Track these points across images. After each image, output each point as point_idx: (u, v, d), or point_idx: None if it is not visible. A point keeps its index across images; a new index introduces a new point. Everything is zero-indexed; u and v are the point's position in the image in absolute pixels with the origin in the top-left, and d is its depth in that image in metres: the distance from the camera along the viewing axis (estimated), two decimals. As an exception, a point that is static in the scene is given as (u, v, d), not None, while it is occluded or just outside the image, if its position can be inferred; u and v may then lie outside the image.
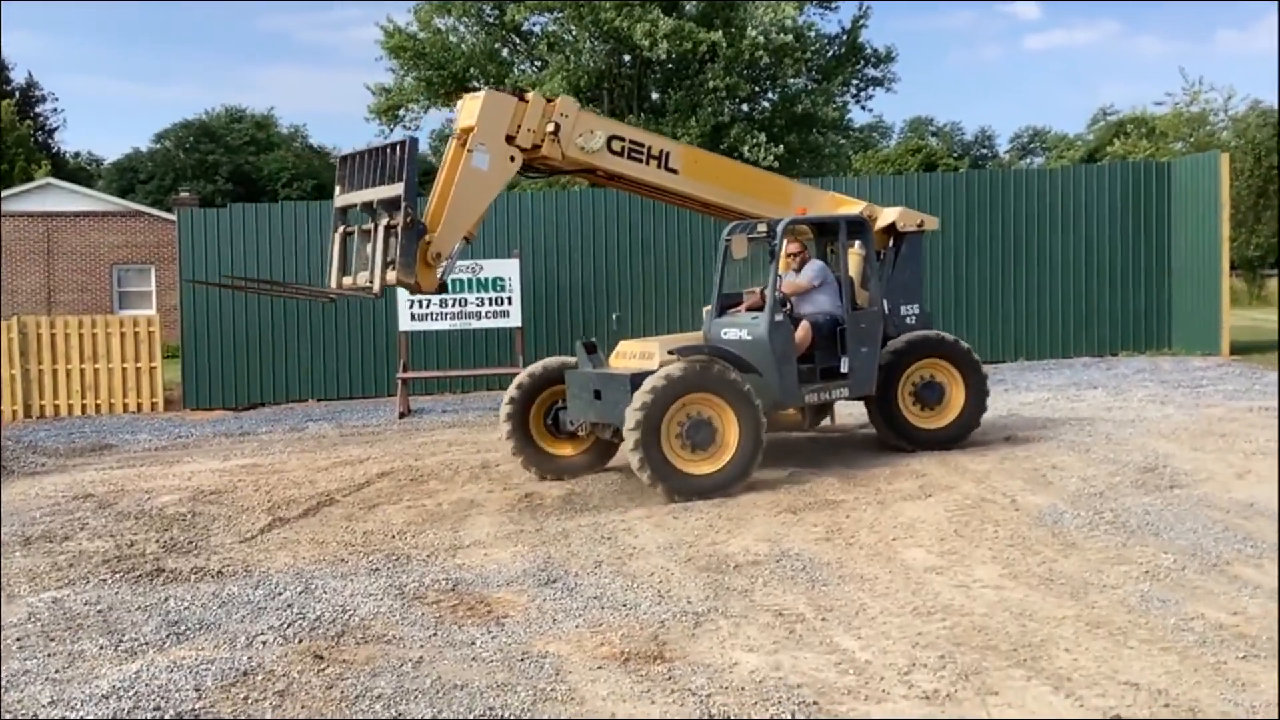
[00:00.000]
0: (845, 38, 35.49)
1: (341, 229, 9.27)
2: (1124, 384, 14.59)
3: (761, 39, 29.29)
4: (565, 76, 30.73)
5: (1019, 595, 6.15)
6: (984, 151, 75.84)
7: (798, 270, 10.20)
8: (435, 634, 5.88)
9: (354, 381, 17.15)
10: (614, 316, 11.11)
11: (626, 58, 32.67)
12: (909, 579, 6.54)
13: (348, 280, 9.13)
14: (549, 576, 6.85)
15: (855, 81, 36.30)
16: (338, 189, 9.31)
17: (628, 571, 6.92)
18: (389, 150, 8.76)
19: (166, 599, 6.67)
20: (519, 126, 9.15)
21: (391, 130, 35.98)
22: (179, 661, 5.51)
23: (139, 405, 16.72)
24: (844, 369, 9.91)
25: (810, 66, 34.39)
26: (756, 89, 33.08)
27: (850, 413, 11.01)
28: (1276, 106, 26.03)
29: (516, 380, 10.20)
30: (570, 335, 17.25)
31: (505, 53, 35.89)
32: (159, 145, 57.28)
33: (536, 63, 34.60)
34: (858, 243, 10.36)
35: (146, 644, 5.86)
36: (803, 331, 9.80)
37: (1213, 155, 18.37)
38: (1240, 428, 10.86)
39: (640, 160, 9.83)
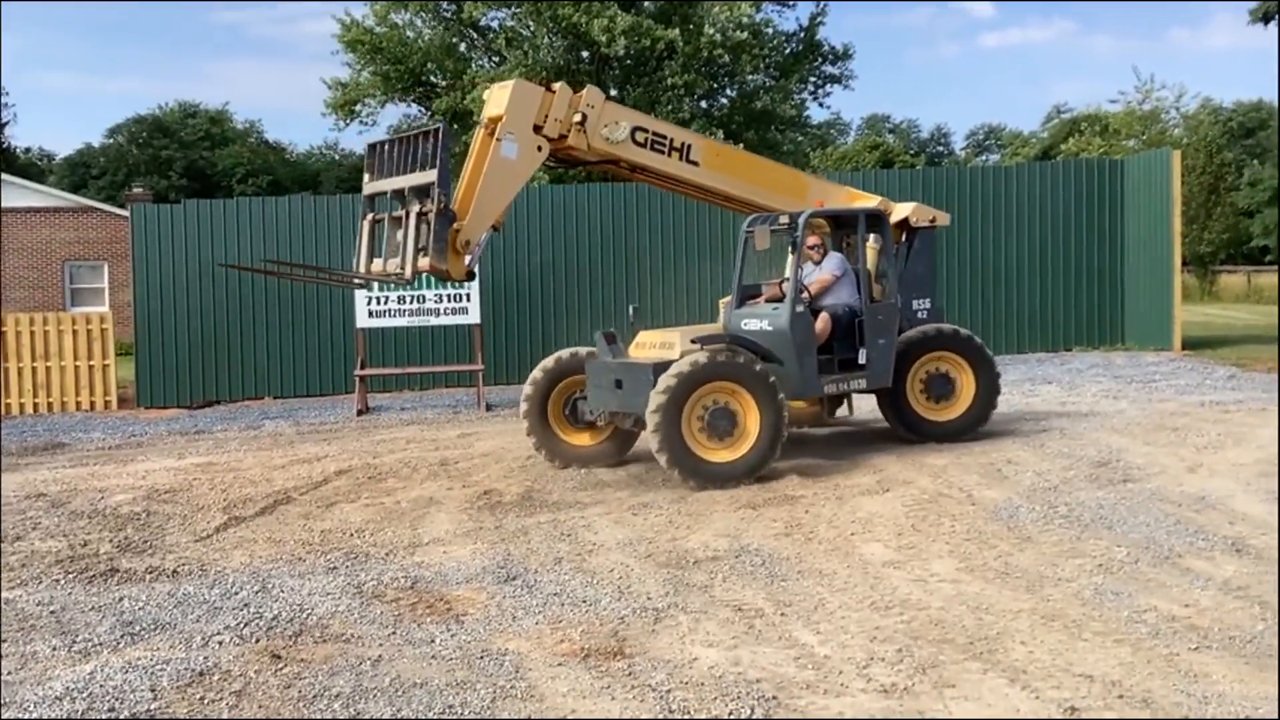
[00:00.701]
0: (803, 35, 35.62)
1: (370, 216, 9.39)
2: (1078, 379, 14.77)
3: (719, 36, 29.36)
4: (523, 72, 30.61)
5: (975, 589, 6.21)
6: (940, 149, 76.46)
7: (817, 263, 10.27)
8: (394, 632, 5.85)
9: (311, 379, 17.01)
10: (631, 308, 11.33)
11: (585, 54, 32.61)
12: (867, 573, 6.58)
13: (376, 266, 9.27)
14: (508, 574, 6.84)
15: (813, 79, 36.45)
16: (366, 176, 9.45)
17: (587, 568, 6.92)
18: (420, 137, 8.87)
19: (121, 599, 6.59)
20: (546, 116, 9.25)
21: (346, 125, 35.77)
22: (134, 662, 5.45)
23: (92, 403, 16.50)
24: (862, 360, 10.02)
25: (768, 64, 34.48)
26: (715, 86, 33.15)
27: (869, 406, 10.98)
28: (1277, 105, 26.33)
29: (535, 371, 10.30)
30: (530, 332, 17.26)
31: (463, 48, 35.73)
32: (112, 140, 56.57)
33: (494, 58, 34.46)
34: (872, 236, 10.45)
35: (101, 645, 5.79)
36: (822, 323, 9.90)
37: (1165, 152, 18.61)
38: (1192, 422, 11.02)
39: (663, 152, 9.95)
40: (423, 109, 37.65)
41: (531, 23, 31.74)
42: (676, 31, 29.06)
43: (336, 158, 63.58)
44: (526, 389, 10.23)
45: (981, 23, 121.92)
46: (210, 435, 13.49)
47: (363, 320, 14.93)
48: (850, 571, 6.64)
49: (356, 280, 10.15)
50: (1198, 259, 37.16)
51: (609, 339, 9.97)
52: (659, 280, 17.52)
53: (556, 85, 9.43)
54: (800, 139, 40.53)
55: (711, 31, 29.25)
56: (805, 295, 9.87)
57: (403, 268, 8.81)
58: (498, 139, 9.02)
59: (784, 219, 10.04)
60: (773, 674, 5.10)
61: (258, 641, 5.76)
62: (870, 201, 10.88)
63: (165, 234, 16.77)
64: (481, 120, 9.39)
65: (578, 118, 9.38)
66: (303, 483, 10.04)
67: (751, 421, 9.16)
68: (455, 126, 35.32)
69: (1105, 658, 5.14)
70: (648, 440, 9.14)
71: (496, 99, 9.25)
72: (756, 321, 9.91)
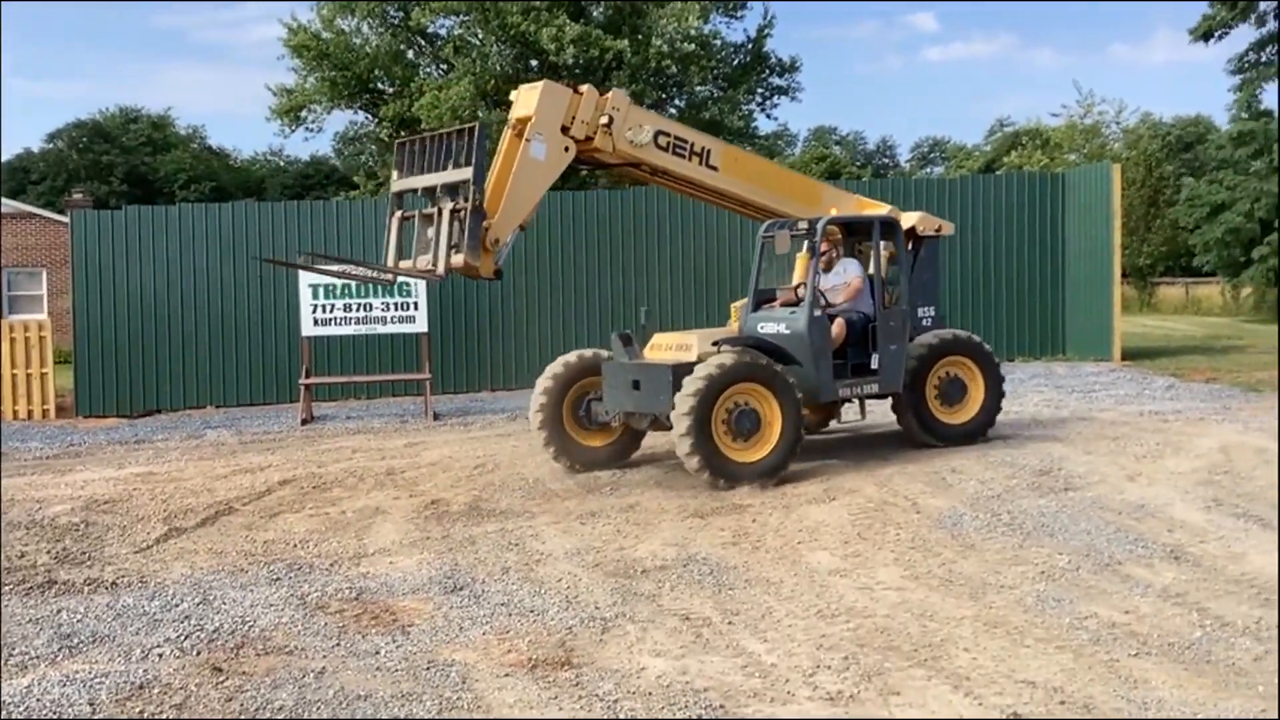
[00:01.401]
0: (750, 47, 35.85)
1: (399, 213, 9.47)
2: (1020, 388, 14.94)
3: (667, 48, 29.47)
4: (472, 80, 30.54)
5: (920, 596, 6.26)
6: (885, 160, 77.21)
7: (826, 268, 10.42)
8: (338, 644, 5.80)
9: (255, 387, 16.81)
10: (643, 310, 11.39)
11: (534, 63, 32.58)
12: (814, 582, 6.62)
13: (406, 263, 9.35)
14: (455, 584, 6.80)
15: (760, 90, 36.68)
16: (395, 174, 9.54)
17: (535, 578, 6.90)
18: (454, 135, 8.97)
19: (59, 611, 6.47)
20: (573, 118, 9.40)
21: (292, 131, 35.45)
22: (72, 675, 5.35)
23: (29, 412, 16.18)
24: (874, 365, 10.19)
25: (716, 75, 34.67)
26: (663, 96, 33.26)
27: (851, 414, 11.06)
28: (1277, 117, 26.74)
29: (549, 372, 10.30)
30: (479, 341, 17.18)
31: (411, 54, 35.55)
32: (51, 145, 55.60)
33: (442, 65, 34.33)
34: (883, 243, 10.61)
35: (38, 658, 5.68)
36: (838, 327, 10.03)
37: (1105, 166, 18.94)
38: (1131, 431, 11.20)
39: (684, 156, 10.08)
40: (370, 116, 37.40)
41: (480, 31, 31.67)
42: (625, 42, 29.14)
43: (282, 164, 63.04)
44: (539, 395, 10.17)
45: (925, 36, 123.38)
46: (151, 445, 13.28)
47: (308, 329, 14.78)
48: (797, 580, 6.67)
49: (386, 276, 10.18)
50: (1137, 271, 37.82)
51: (625, 340, 10.04)
52: (608, 288, 17.52)
53: (584, 87, 9.61)
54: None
55: (659, 43, 29.35)
56: (823, 300, 10.05)
57: (434, 265, 8.93)
58: (527, 139, 9.15)
59: (803, 224, 10.18)
60: (720, 683, 5.11)
61: (199, 654, 5.68)
62: (881, 209, 11.13)
63: (106, 241, 16.50)
64: (509, 121, 9.49)
65: (604, 120, 9.50)
66: (245, 493, 9.92)
67: (775, 423, 9.32)
68: (403, 134, 35.20)
69: (1047, 664, 5.21)
70: (672, 440, 9.19)
71: (525, 100, 9.37)
72: (774, 325, 10.04)
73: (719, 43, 34.56)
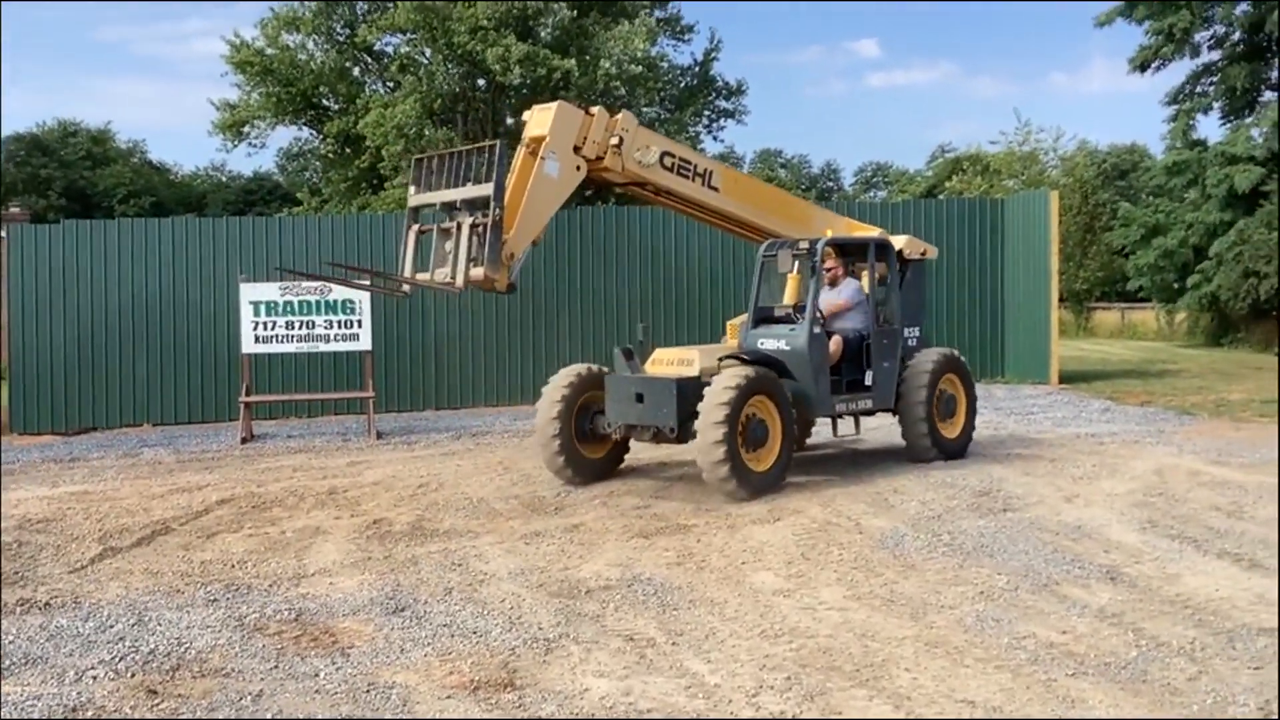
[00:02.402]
0: (698, 70, 36.11)
1: (416, 227, 9.82)
2: (961, 411, 15.10)
3: (614, 69, 29.58)
4: (418, 98, 30.44)
5: (862, 616, 6.30)
6: (830, 184, 77.89)
7: (832, 284, 10.84)
8: (277, 666, 5.71)
9: (193, 405, 16.55)
10: (641, 326, 11.65)
11: (480, 82, 32.55)
12: (757, 602, 6.64)
13: (423, 276, 9.64)
14: (397, 604, 6.74)
15: (707, 112, 36.95)
16: (412, 189, 9.82)
17: (478, 598, 6.85)
18: (473, 153, 9.31)
19: (-13, 634, 6.32)
20: (585, 138, 9.80)
21: (234, 147, 35.16)
22: (4, 698, 5.23)
23: (-41, 429, 15.84)
24: (868, 382, 10.63)
25: (664, 97, 34.87)
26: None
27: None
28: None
29: (561, 383, 10.32)
30: (423, 360, 17.06)
31: (357, 72, 35.37)
32: (-14, 158, 54.57)
33: (389, 83, 34.20)
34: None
35: (-36, 682, 5.54)
36: (835, 345, 10.46)
37: (1043, 193, 19.25)
38: (1068, 453, 11.37)
39: (688, 177, 10.52)
40: (314, 132, 37.16)
41: (427, 49, 31.60)
42: (573, 62, 29.21)
43: (224, 179, 62.34)
44: (554, 405, 10.18)
45: (868, 62, 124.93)
46: (86, 463, 13.03)
47: (249, 346, 14.59)
48: (741, 600, 6.68)
49: (405, 288, 10.22)
50: (1074, 295, 38.43)
51: (627, 355, 10.34)
52: (555, 307, 17.50)
53: (595, 109, 9.96)
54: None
55: (607, 64, 29.46)
56: (821, 317, 10.41)
57: (453, 278, 9.24)
58: (541, 158, 9.49)
59: (804, 244, 10.56)
60: (663, 703, 5.10)
61: (133, 676, 5.57)
62: (872, 232, 11.62)
63: (43, 255, 16.19)
64: (524, 140, 9.76)
65: (614, 140, 9.91)
66: (182, 512, 9.76)
67: (777, 434, 9.66)
68: (348, 151, 35.00)
69: (986, 684, 5.26)
70: (697, 450, 9.32)
71: (539, 120, 9.70)
72: (774, 341, 10.37)
73: (666, 65, 34.77)
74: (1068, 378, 18.79)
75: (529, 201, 9.41)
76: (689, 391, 9.60)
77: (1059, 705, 5.01)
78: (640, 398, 9.87)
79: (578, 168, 9.80)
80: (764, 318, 10.87)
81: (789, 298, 11.06)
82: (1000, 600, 6.55)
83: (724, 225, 11.54)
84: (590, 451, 10.49)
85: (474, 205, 9.19)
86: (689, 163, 10.56)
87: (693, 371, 9.89)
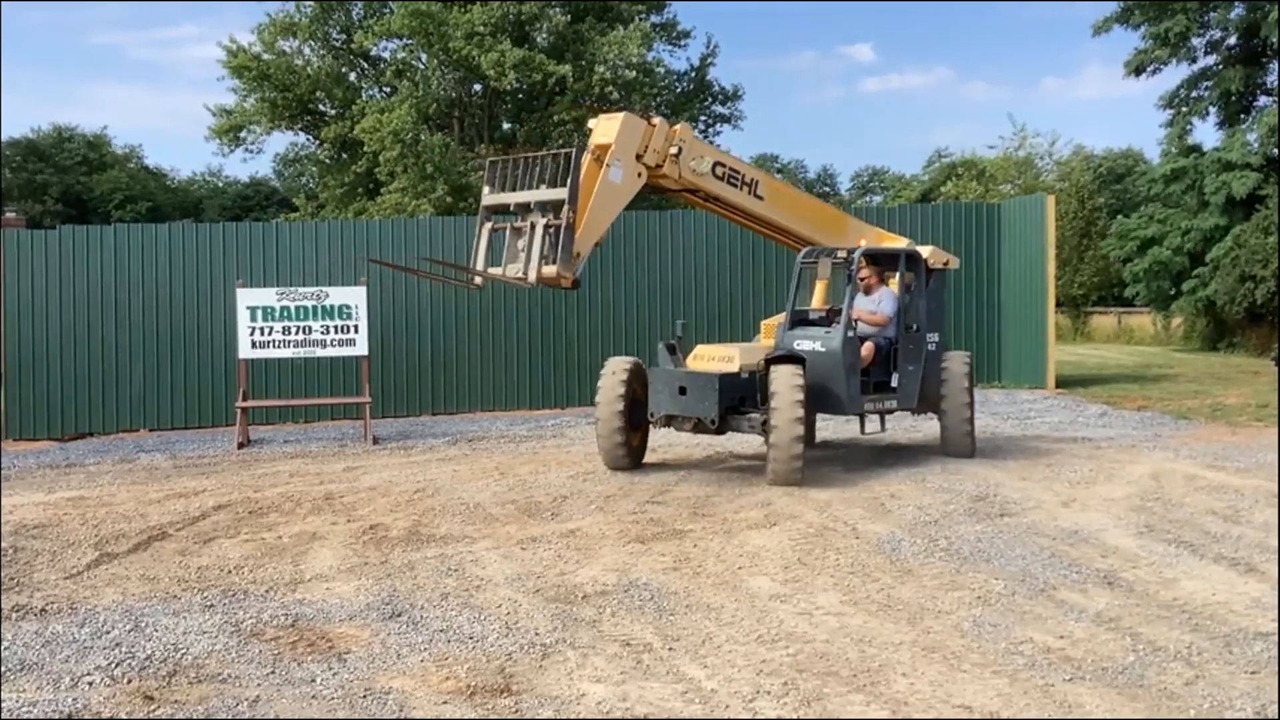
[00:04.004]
0: (694, 75, 36.15)
1: (489, 225, 10.37)
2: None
3: (610, 74, 29.62)
4: (414, 104, 30.47)
5: (859, 621, 6.30)
6: (826, 189, 77.90)
7: (867, 293, 11.45)
8: (273, 671, 5.71)
9: (190, 410, 16.55)
10: (678, 324, 12.27)
11: (477, 87, 32.58)
12: (754, 607, 6.63)
13: (495, 270, 10.19)
14: (394, 610, 6.73)
15: (704, 118, 37.00)
16: (486, 189, 10.34)
17: (475, 604, 6.84)
18: (547, 158, 9.91)
19: (-18, 640, 6.30)
20: (646, 146, 10.38)
21: (231, 151, 35.19)
22: (0, 704, 5.22)
23: (-45, 435, 15.80)
24: (894, 383, 11.22)
25: (659, 101, 34.90)
26: (607, 122, 33.41)
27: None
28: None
29: (617, 372, 10.99)
30: (420, 364, 17.06)
31: (353, 77, 35.41)
32: (-17, 163, 54.55)
33: (385, 88, 34.24)
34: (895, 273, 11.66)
35: (-41, 688, 5.53)
36: (868, 349, 11.03)
37: (1039, 198, 19.27)
38: (1065, 458, 11.38)
39: (736, 185, 11.18)
40: (310, 137, 37.18)
41: (423, 54, 31.62)
42: (568, 67, 29.24)
43: (220, 185, 62.35)
44: (614, 388, 10.88)
45: (863, 67, 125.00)
46: (82, 468, 13.02)
47: (246, 351, 14.58)
48: (738, 605, 6.68)
49: (478, 281, 10.69)
50: (1070, 300, 38.50)
51: (670, 350, 11.13)
52: (550, 313, 17.51)
53: (656, 120, 10.53)
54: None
55: (602, 69, 29.49)
56: (856, 323, 11.02)
57: (525, 273, 9.79)
58: (607, 164, 10.07)
59: (841, 253, 11.30)
60: (660, 708, 5.09)
61: (130, 682, 5.56)
62: (900, 242, 12.19)
63: (39, 260, 16.18)
64: (589, 147, 10.33)
65: (674, 150, 10.51)
66: (179, 518, 9.75)
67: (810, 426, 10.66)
68: (344, 155, 35.03)
69: (984, 689, 5.26)
70: (771, 439, 9.97)
71: (604, 129, 10.31)
72: (810, 342, 10.93)
73: (662, 70, 34.81)
74: (1064, 382, 18.81)
75: (594, 205, 9.93)
76: (730, 386, 10.33)
77: (1056, 710, 5.01)
78: (684, 390, 10.49)
79: (639, 174, 10.36)
80: (800, 320, 11.50)
81: (817, 302, 12.07)
82: (997, 605, 6.55)
83: (765, 231, 12.16)
84: (633, 439, 11.19)
85: (546, 207, 9.73)
86: (738, 172, 11.17)
87: (733, 368, 10.49)
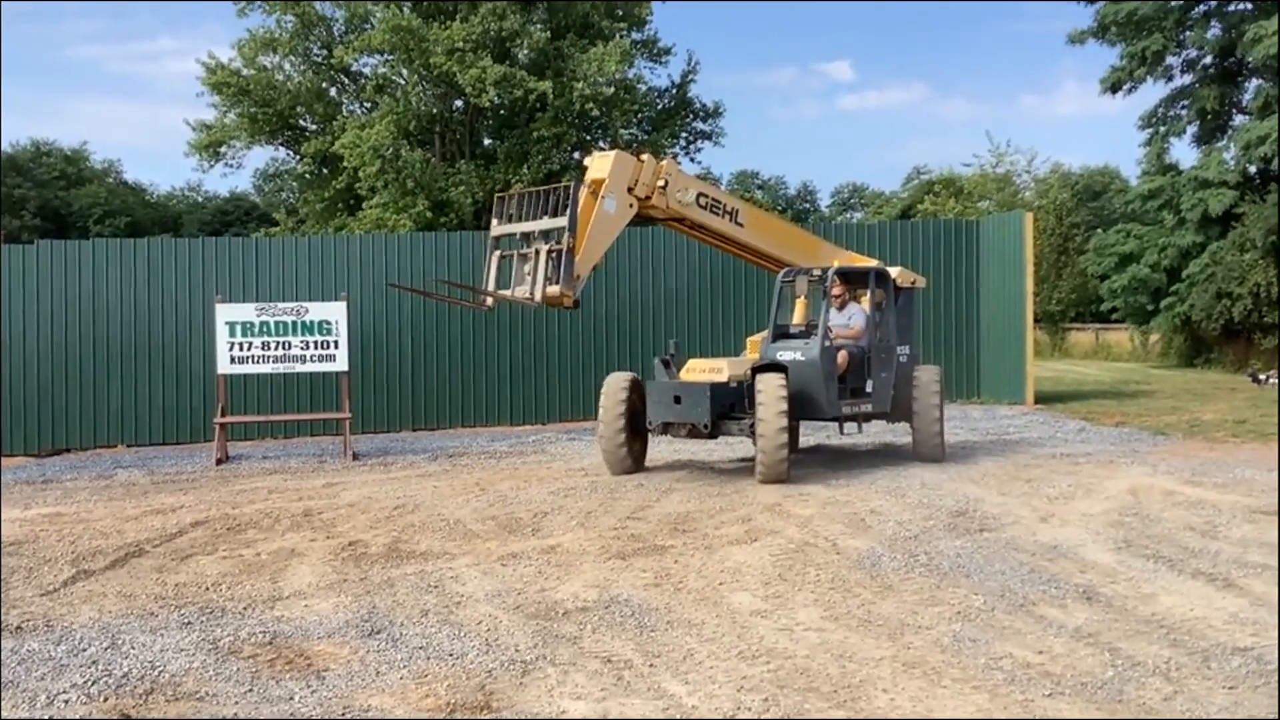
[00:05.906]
0: (675, 92, 36.23)
1: (498, 253, 11.49)
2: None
3: (589, 90, 29.65)
4: (394, 119, 30.45)
5: (839, 637, 6.30)
6: (806, 205, 78.18)
7: (840, 308, 12.38)
8: (251, 689, 5.67)
9: (168, 426, 16.47)
10: (671, 342, 12.94)
11: (458, 103, 32.58)
12: (735, 623, 6.63)
13: (504, 292, 11.27)
14: (373, 627, 6.70)
15: (684, 134, 37.09)
16: (494, 221, 11.53)
17: (455, 620, 6.82)
18: (548, 192, 11.07)
19: (-44, 658, 6.24)
20: (637, 180, 11.41)
21: (211, 167, 35.09)
22: (-31, 725, 5.17)
23: (-71, 451, 15.66)
24: (869, 389, 12.18)
25: (640, 118, 34.97)
26: (588, 138, 33.47)
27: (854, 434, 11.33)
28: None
29: (619, 384, 11.89)
30: (400, 380, 17.02)
31: (333, 92, 35.36)
32: (-41, 178, 54.20)
33: (366, 104, 34.20)
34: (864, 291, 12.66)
35: (-67, 707, 5.47)
36: (843, 357, 11.95)
37: (1017, 214, 19.39)
38: (1044, 473, 11.43)
39: (719, 214, 12.19)
40: (291, 152, 37.10)
41: (404, 70, 31.61)
42: (549, 84, 29.26)
43: (200, 200, 62.14)
44: (617, 394, 11.77)
45: (841, 84, 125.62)
46: (59, 484, 12.93)
47: (224, 366, 14.52)
48: (719, 621, 6.67)
49: (489, 302, 11.66)
50: (1049, 316, 38.70)
51: (665, 363, 12.08)
52: (523, 330, 17.50)
53: (644, 156, 11.62)
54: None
55: (582, 85, 29.53)
56: (833, 334, 11.96)
57: (531, 294, 10.85)
58: (602, 196, 11.07)
59: (816, 272, 12.30)
60: (641, 725, 5.08)
61: (106, 700, 5.52)
62: (870, 262, 13.27)
63: (16, 275, 16.11)
64: (586, 182, 11.27)
65: (661, 183, 11.51)
66: (156, 534, 9.68)
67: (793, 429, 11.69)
68: (324, 171, 34.96)
69: (964, 704, 5.26)
70: (759, 444, 10.87)
71: (599, 166, 11.32)
72: (791, 353, 11.82)
73: (643, 87, 34.89)
74: (1043, 398, 18.90)
75: (591, 233, 10.94)
76: (720, 394, 11.30)
77: (1036, 725, 5.01)
78: (678, 399, 11.42)
79: (631, 205, 11.39)
80: (782, 334, 12.44)
81: (797, 317, 13.13)
82: (977, 620, 6.56)
83: (746, 256, 13.09)
84: (633, 446, 11.98)
85: (549, 235, 10.84)
86: (720, 202, 12.20)
87: (722, 378, 11.44)
